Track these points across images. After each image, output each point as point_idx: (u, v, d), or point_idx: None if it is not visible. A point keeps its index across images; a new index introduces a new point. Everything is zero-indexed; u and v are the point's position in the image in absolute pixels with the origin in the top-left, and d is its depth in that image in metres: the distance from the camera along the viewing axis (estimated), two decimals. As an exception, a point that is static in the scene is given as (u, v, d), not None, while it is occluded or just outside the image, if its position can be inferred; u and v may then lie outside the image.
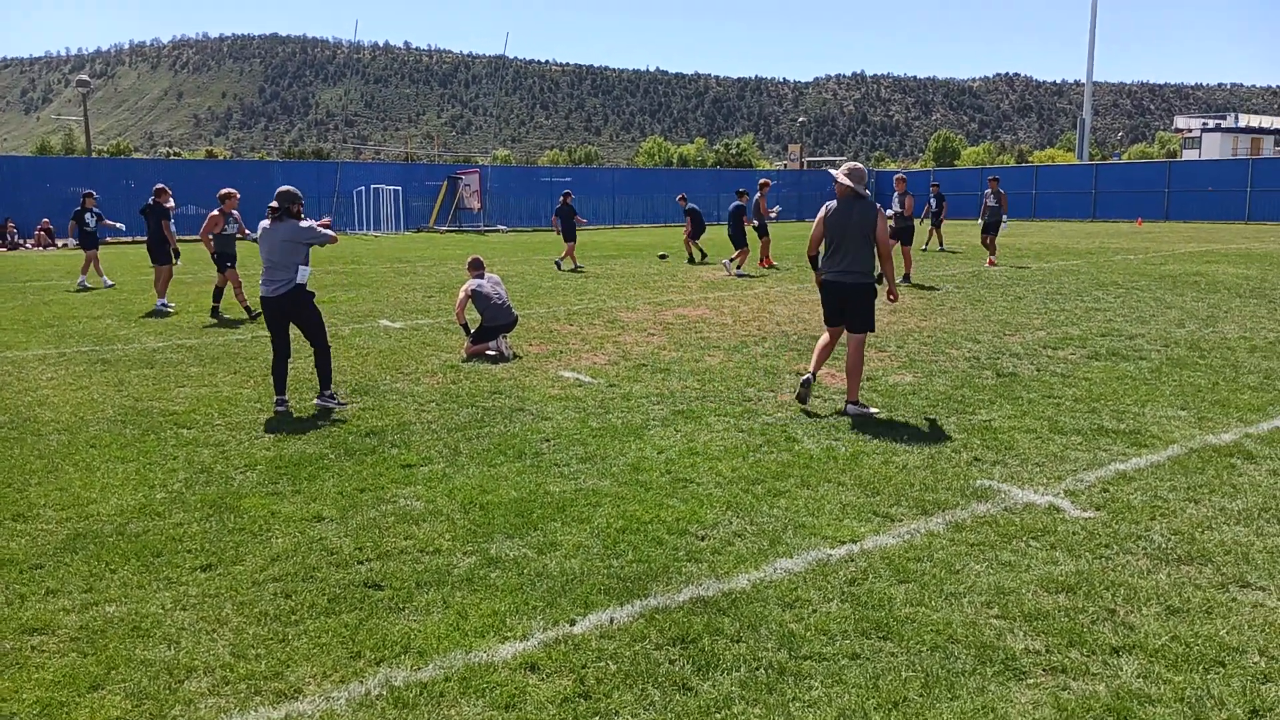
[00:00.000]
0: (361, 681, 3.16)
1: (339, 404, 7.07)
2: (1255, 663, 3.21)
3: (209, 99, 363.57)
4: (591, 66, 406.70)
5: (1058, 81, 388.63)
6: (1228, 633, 3.42)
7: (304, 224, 6.97)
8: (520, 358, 8.99)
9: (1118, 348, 8.96)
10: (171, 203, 13.44)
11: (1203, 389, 7.21)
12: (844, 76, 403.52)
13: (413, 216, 35.74)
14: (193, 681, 3.19)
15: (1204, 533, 4.36)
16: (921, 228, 21.00)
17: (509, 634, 3.48)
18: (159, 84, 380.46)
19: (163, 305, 13.00)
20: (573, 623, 3.55)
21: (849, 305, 6.68)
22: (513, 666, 3.24)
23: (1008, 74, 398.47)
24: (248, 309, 12.00)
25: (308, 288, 7.03)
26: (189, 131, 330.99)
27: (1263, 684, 3.07)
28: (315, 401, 7.12)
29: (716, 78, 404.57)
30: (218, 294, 12.36)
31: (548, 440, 6.11)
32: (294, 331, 7.17)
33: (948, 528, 4.48)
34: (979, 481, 5.13)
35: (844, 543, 4.31)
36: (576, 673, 3.20)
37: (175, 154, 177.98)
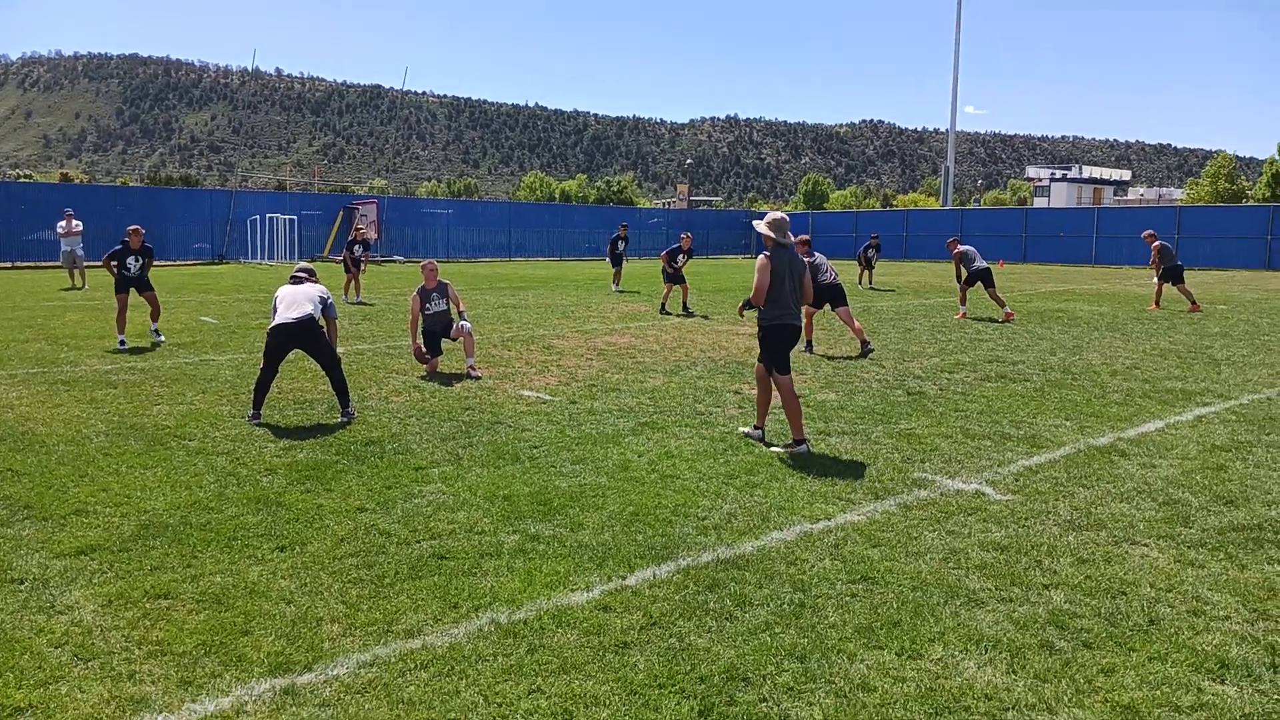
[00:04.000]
0: (470, 622, 3.88)
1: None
2: (1147, 592, 4.28)
3: (61, 119, 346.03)
4: (470, 99, 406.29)
5: (918, 129, 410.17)
6: (1125, 573, 4.49)
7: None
8: (480, 379, 9.66)
9: (1004, 372, 10.30)
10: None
11: (1079, 404, 8.53)
12: (718, 119, 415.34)
13: (306, 245, 35.56)
14: (325, 627, 3.84)
15: (1097, 508, 5.49)
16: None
17: (575, 587, 4.25)
18: (5, 102, 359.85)
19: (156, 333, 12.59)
20: (624, 578, 4.35)
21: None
22: (589, 608, 4.02)
23: (872, 120, 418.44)
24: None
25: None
26: (38, 153, 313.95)
27: (1155, 604, 4.13)
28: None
29: (595, 115, 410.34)
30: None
31: (536, 447, 6.85)
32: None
33: (899, 508, 5.47)
34: (915, 474, 6.17)
35: (819, 520, 5.23)
36: (643, 610, 4.00)
37: (25, 176, 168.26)
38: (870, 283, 24.95)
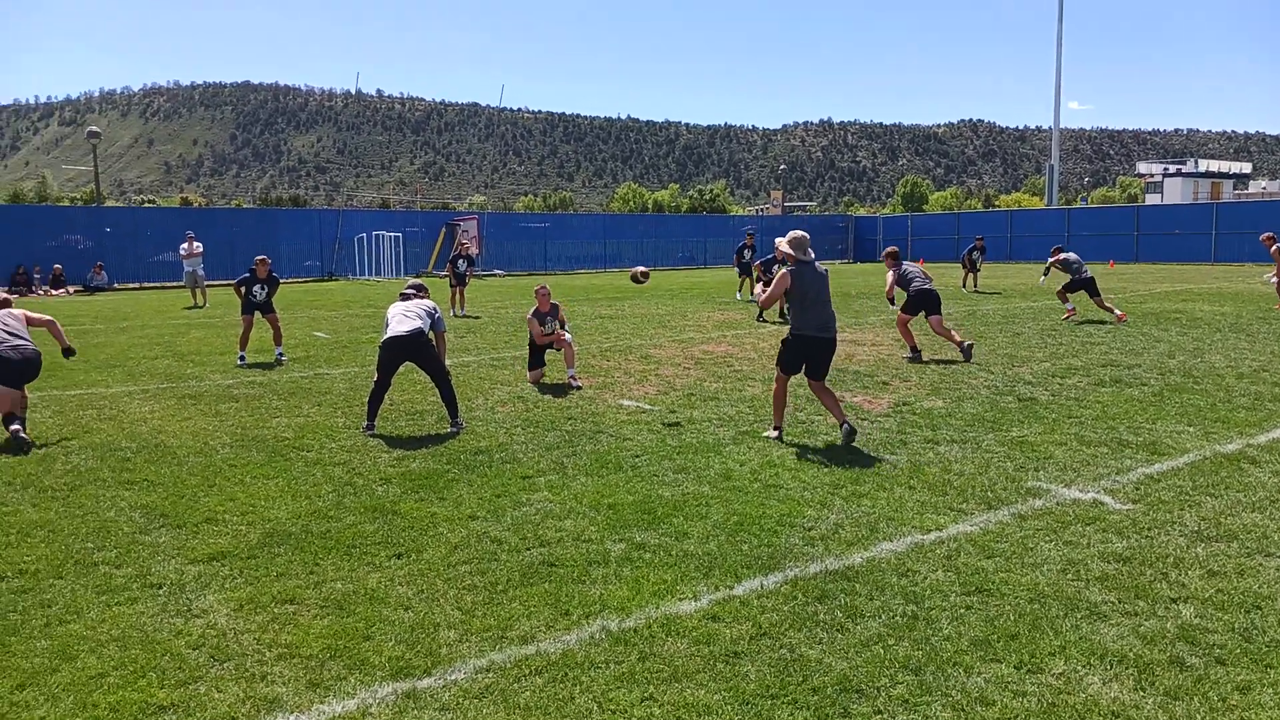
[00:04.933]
0: (582, 629, 3.94)
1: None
2: (1284, 606, 4.07)
3: (180, 146, 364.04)
4: (563, 114, 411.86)
5: (1020, 127, 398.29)
6: (1260, 586, 4.28)
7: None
8: (580, 388, 9.79)
9: (1120, 376, 9.92)
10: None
11: (1202, 409, 8.15)
12: (811, 123, 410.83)
13: (411, 262, 36.59)
14: (442, 633, 3.95)
15: (1227, 519, 5.24)
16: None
17: (683, 596, 4.27)
18: (129, 131, 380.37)
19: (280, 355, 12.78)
20: (731, 587, 4.35)
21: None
22: (698, 617, 4.03)
23: (972, 120, 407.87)
24: None
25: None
26: (159, 178, 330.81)
27: (1293, 619, 3.93)
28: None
29: (687, 125, 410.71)
30: None
31: (638, 456, 6.90)
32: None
33: (1013, 518, 5.33)
34: (1029, 483, 6.00)
35: (930, 530, 5.14)
36: (752, 620, 3.99)
37: (149, 201, 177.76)
38: (975, 286, 24.40)
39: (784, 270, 7.27)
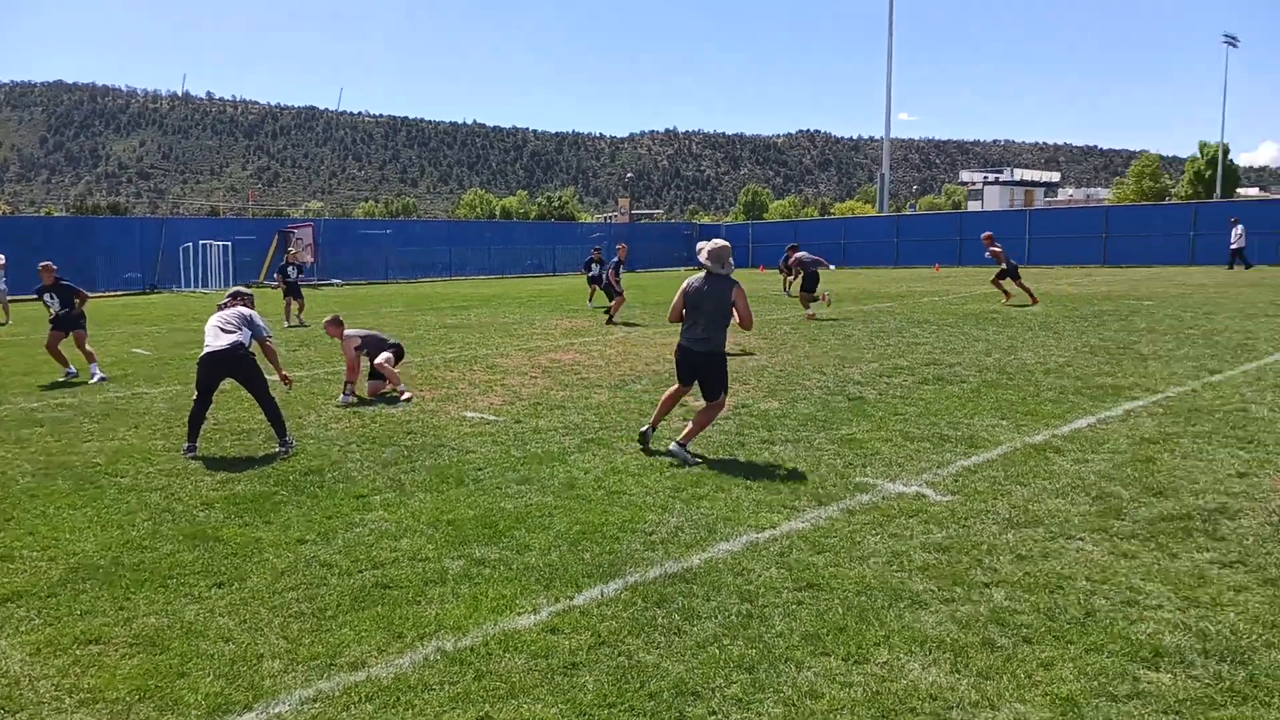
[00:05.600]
0: (416, 651, 3.82)
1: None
2: (1083, 585, 4.37)
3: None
4: (406, 118, 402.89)
5: (854, 138, 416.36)
6: (1061, 568, 4.59)
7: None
8: (415, 401, 9.56)
9: (941, 374, 10.48)
10: None
11: (1014, 403, 8.71)
12: (657, 132, 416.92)
13: (242, 272, 34.90)
14: (266, 664, 3.76)
15: (1033, 505, 5.60)
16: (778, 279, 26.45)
17: (521, 610, 4.22)
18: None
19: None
20: (571, 598, 4.33)
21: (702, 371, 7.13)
22: (536, 631, 3.99)
23: (809, 130, 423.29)
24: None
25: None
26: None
27: (1091, 597, 4.23)
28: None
29: (535, 131, 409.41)
30: None
31: (480, 469, 6.79)
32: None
33: (842, 513, 5.53)
34: (857, 479, 6.24)
35: (765, 529, 5.27)
36: (591, 630, 3.98)
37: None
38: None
39: (684, 283, 7.02)
